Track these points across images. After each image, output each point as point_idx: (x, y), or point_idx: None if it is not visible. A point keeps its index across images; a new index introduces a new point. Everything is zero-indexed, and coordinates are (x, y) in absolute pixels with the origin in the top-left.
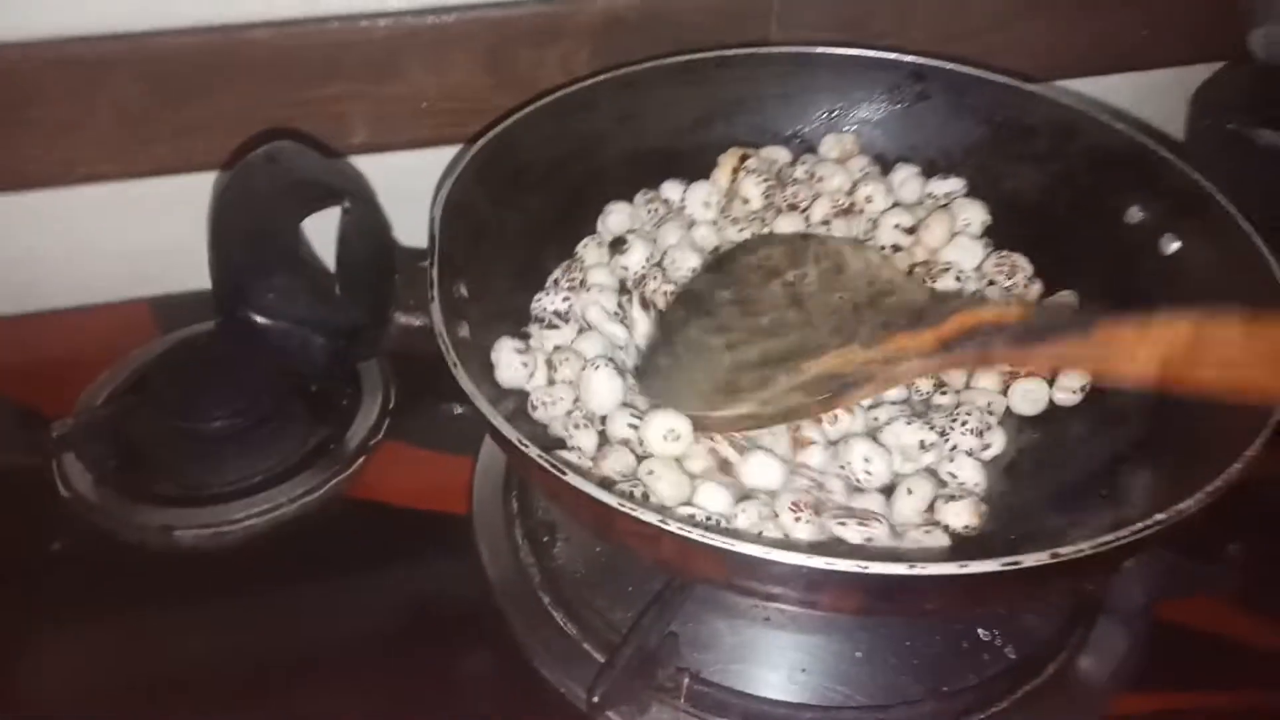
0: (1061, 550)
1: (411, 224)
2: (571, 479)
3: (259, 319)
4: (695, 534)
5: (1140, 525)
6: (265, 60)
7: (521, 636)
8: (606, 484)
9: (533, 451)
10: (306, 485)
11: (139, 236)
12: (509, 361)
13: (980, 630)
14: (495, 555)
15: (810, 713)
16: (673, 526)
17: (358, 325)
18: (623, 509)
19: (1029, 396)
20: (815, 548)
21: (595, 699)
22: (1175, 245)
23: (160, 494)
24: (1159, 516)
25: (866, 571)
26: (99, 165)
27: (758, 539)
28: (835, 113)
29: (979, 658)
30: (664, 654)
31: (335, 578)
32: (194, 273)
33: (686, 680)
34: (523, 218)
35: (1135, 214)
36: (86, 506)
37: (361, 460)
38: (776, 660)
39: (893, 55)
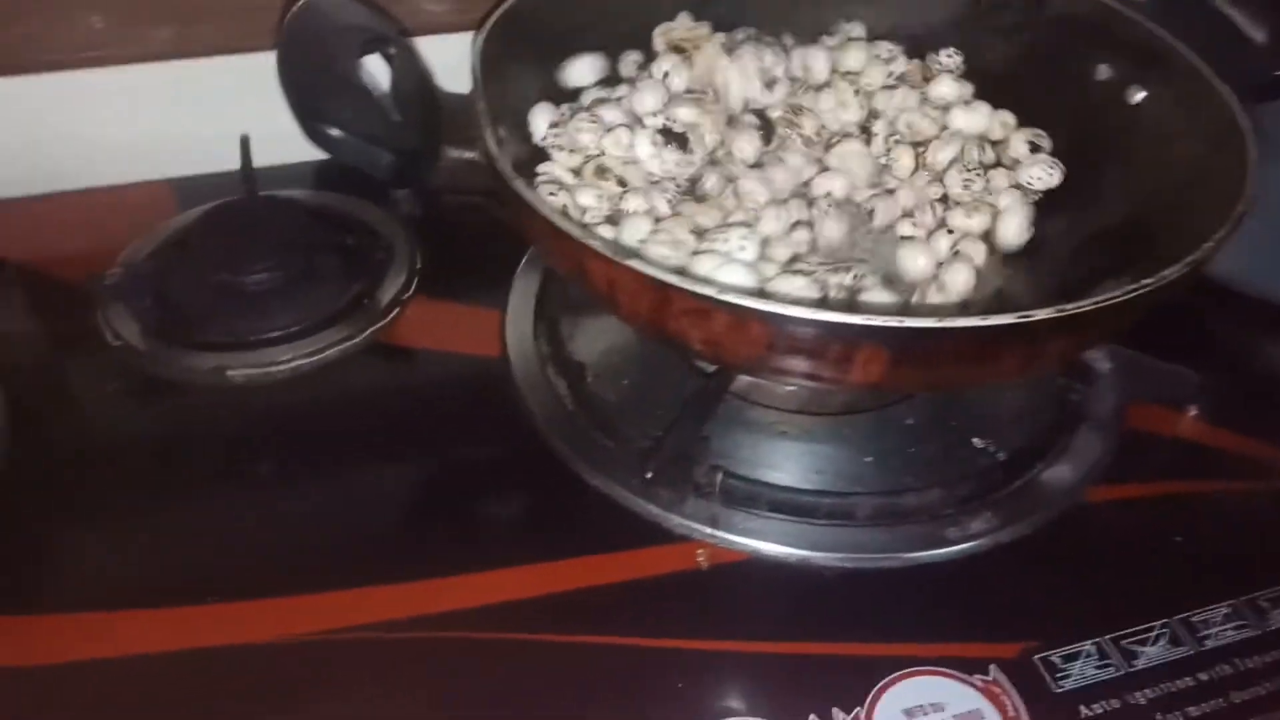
0: (1066, 306)
1: None
2: (633, 263)
3: (334, 132)
4: (749, 301)
5: (1133, 288)
6: None
7: (564, 453)
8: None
9: (595, 242)
10: (346, 332)
11: (157, 119)
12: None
13: (975, 439)
14: (532, 389)
15: (830, 499)
16: (726, 296)
17: (416, 147)
18: (680, 285)
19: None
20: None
21: (649, 475)
22: (1141, 95)
23: (208, 340)
24: (1146, 281)
25: (903, 325)
26: (108, 48)
27: (802, 302)
28: None
29: (975, 462)
30: (699, 453)
31: (380, 415)
32: (212, 156)
33: (720, 476)
34: (545, 80)
35: (1104, 71)
36: (136, 354)
37: (396, 311)
38: (794, 465)
39: None
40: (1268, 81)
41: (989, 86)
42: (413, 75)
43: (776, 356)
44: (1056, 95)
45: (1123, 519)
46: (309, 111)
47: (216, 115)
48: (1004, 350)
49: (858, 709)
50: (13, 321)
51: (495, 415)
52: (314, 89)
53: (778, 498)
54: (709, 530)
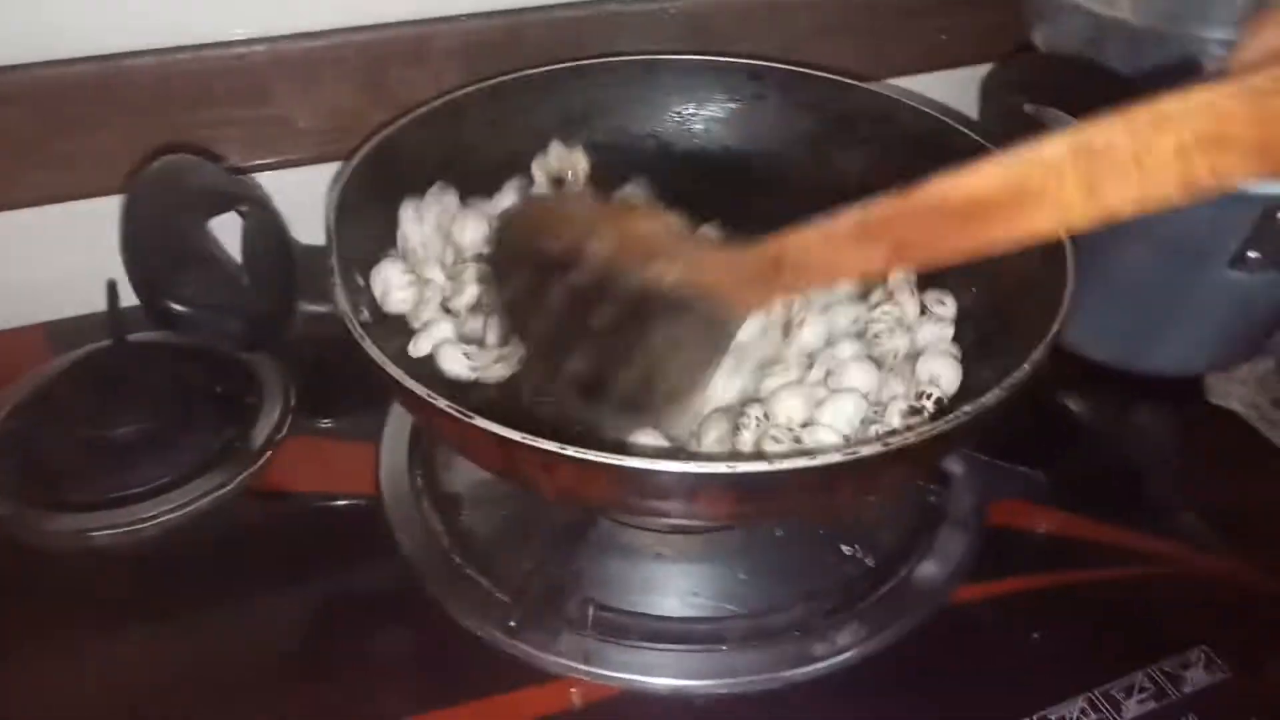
0: (890, 440)
1: (299, 233)
2: (478, 421)
3: (175, 307)
4: (589, 454)
5: (954, 416)
6: (146, 88)
7: (437, 594)
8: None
9: (441, 402)
10: (218, 480)
11: (29, 264)
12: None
13: (843, 546)
14: (406, 527)
15: (703, 625)
16: (569, 451)
17: (266, 311)
18: (525, 441)
19: None
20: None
21: (513, 623)
22: None
23: (72, 501)
24: (966, 409)
25: (735, 471)
26: None
27: (641, 454)
28: (686, 112)
29: (843, 569)
30: (571, 587)
31: (254, 565)
32: (87, 297)
33: (592, 609)
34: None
35: None
36: None
37: (269, 455)
38: (671, 589)
39: (731, 59)
40: None
41: (845, 196)
42: (266, 233)
43: (630, 500)
44: None
45: (985, 618)
46: (152, 288)
47: (89, 256)
48: (840, 483)
49: None
50: None
51: (369, 558)
52: (157, 265)
53: (651, 627)
54: (583, 667)
